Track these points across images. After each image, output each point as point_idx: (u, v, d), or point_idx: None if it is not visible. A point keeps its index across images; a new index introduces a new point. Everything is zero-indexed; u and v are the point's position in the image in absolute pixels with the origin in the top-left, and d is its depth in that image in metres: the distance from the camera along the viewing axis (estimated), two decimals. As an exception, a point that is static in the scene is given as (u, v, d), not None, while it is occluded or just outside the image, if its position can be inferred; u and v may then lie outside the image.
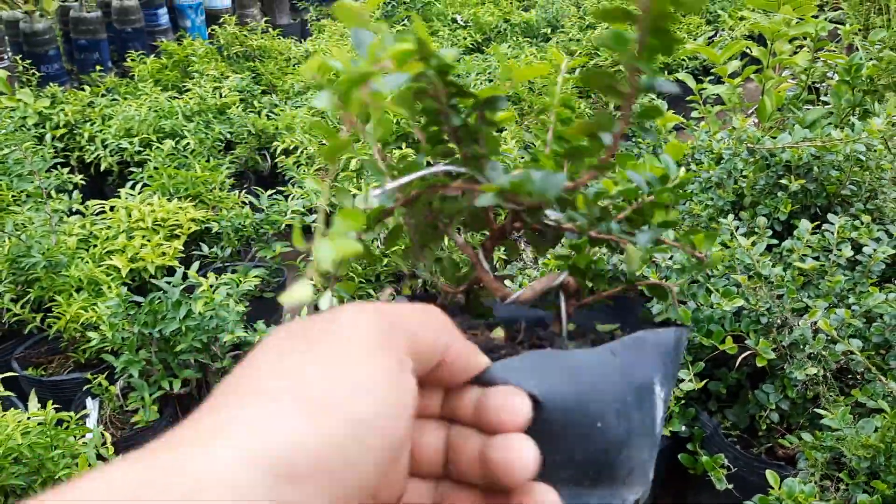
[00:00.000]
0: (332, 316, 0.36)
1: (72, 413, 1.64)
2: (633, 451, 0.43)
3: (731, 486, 1.48)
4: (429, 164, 0.50)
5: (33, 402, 1.72)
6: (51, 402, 1.63)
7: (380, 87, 0.37)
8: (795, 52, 2.62)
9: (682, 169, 0.54)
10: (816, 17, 2.51)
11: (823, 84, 3.03)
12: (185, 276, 1.85)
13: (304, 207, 2.32)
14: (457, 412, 0.41)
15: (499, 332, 0.49)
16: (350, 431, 0.31)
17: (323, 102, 0.38)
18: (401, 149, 2.25)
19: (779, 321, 1.53)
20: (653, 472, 0.46)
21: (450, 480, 0.41)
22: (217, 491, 0.27)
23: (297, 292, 0.35)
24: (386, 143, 0.52)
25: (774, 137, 1.94)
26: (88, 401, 1.92)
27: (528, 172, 0.44)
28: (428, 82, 0.45)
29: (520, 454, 0.37)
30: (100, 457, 1.54)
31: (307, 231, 2.43)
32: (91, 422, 1.86)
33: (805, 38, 2.59)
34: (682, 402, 1.58)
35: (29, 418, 1.59)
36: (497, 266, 2.02)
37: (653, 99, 2.68)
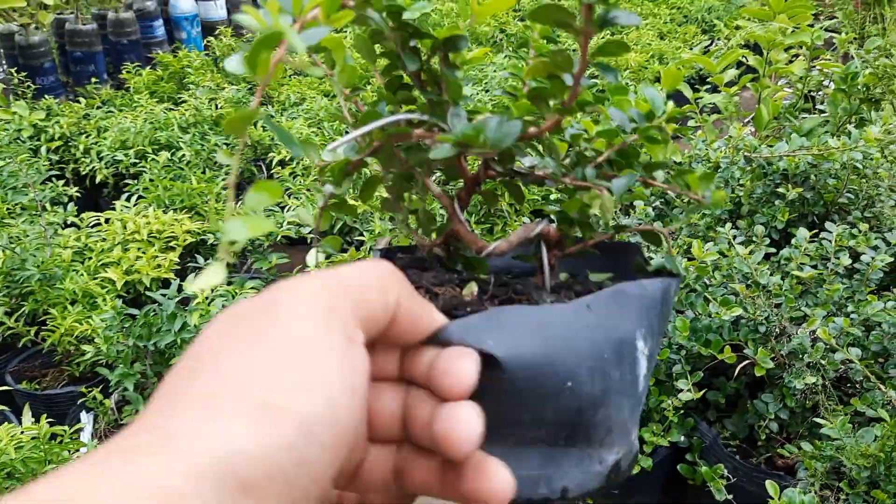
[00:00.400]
0: (272, 297, 0.34)
1: (66, 427, 1.63)
2: (612, 410, 0.41)
3: (730, 497, 1.46)
4: (392, 113, 0.47)
5: (27, 416, 1.71)
6: (45, 416, 1.62)
7: (295, 46, 0.34)
8: (791, 61, 2.63)
9: (671, 103, 0.50)
10: (812, 26, 2.52)
11: (819, 93, 3.04)
12: (180, 288, 1.84)
13: (298, 219, 2.31)
14: (413, 374, 0.39)
15: (471, 288, 0.46)
16: (301, 432, 0.29)
17: (233, 66, 0.35)
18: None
19: (777, 330, 1.52)
20: (636, 432, 0.44)
21: (410, 444, 0.39)
22: None
23: (207, 278, 0.33)
24: (355, 88, 0.49)
25: (771, 146, 1.94)
26: (83, 415, 1.90)
27: (483, 120, 0.41)
28: (377, 25, 0.43)
29: (460, 426, 0.35)
30: (94, 471, 1.52)
31: (301, 242, 2.42)
32: (85, 436, 1.84)
33: (801, 47, 2.59)
34: (681, 412, 1.57)
35: (23, 432, 1.58)
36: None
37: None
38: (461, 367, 0.36)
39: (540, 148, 0.49)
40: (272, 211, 2.38)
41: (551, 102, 0.45)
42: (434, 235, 0.53)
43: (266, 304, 0.33)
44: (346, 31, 3.63)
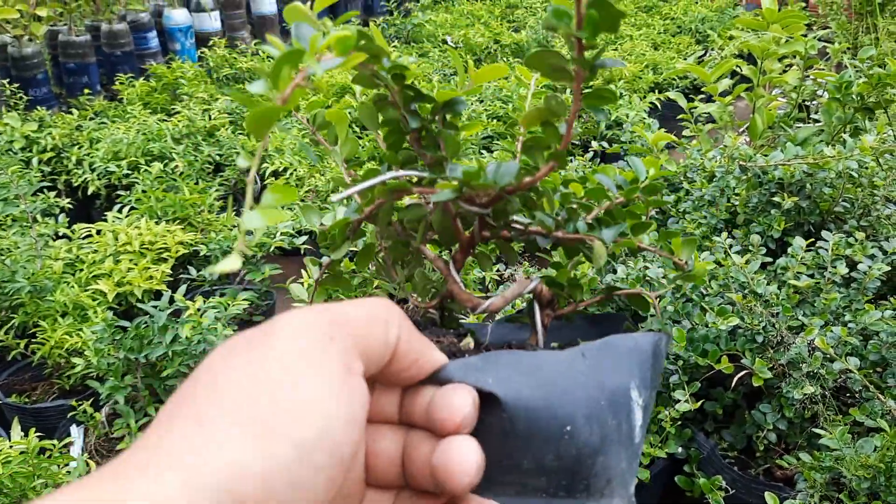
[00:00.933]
0: (273, 325, 0.34)
1: (55, 441, 1.60)
2: (610, 459, 0.41)
3: (729, 509, 1.45)
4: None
5: (16, 430, 1.68)
6: (34, 429, 1.59)
7: (315, 70, 0.36)
8: (785, 71, 2.63)
9: (652, 170, 0.53)
10: (805, 35, 2.52)
11: (814, 102, 3.04)
12: (171, 300, 1.82)
13: (293, 229, 2.29)
14: (412, 414, 0.38)
15: (468, 341, 0.47)
16: (296, 453, 0.29)
17: (257, 88, 0.36)
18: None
19: (775, 340, 1.51)
20: (634, 484, 0.44)
21: (409, 489, 0.39)
22: None
23: (226, 264, 0.34)
24: (354, 161, 0.51)
25: (766, 155, 1.93)
26: (73, 428, 1.88)
27: (481, 164, 0.43)
28: (383, 83, 0.45)
29: (459, 457, 0.34)
30: (84, 486, 1.49)
31: (295, 253, 2.40)
32: (76, 450, 1.82)
33: (794, 57, 2.59)
34: (679, 423, 1.55)
35: (11, 447, 1.55)
36: (489, 288, 1.99)
37: (660, 181, 2.67)
38: (457, 400, 0.36)
39: (533, 205, 0.50)
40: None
41: (545, 152, 0.47)
42: (430, 298, 0.54)
43: (265, 332, 0.33)
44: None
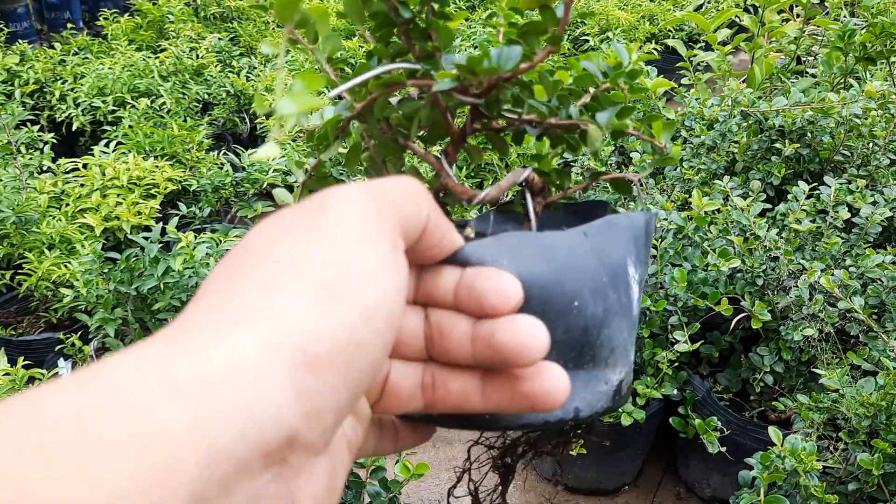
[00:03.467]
0: (321, 201, 0.34)
1: (44, 371, 1.58)
2: (613, 330, 0.43)
3: (723, 449, 1.46)
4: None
5: (2, 361, 1.65)
6: (22, 358, 1.57)
7: None
8: (785, 21, 2.60)
9: (636, 55, 0.54)
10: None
11: (810, 57, 3.01)
12: (163, 232, 1.79)
13: (286, 167, 2.25)
14: (433, 293, 0.39)
15: (469, 231, 0.48)
16: (361, 318, 0.31)
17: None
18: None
19: (774, 283, 1.51)
20: (633, 352, 0.46)
21: (435, 363, 0.40)
22: (239, 379, 0.26)
23: (265, 151, 0.35)
24: (337, 60, 0.51)
25: (768, 101, 1.91)
26: (61, 361, 1.85)
27: (484, 48, 0.44)
28: None
29: (533, 335, 0.36)
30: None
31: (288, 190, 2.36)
32: (64, 382, 1.79)
33: (794, 8, 2.56)
34: (675, 365, 1.55)
35: (-2, 376, 1.53)
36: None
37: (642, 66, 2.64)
38: (505, 285, 0.37)
39: (529, 93, 0.50)
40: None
41: (541, 37, 0.46)
42: None
43: (317, 205, 0.33)
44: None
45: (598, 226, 0.44)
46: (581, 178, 2.01)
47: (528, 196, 0.51)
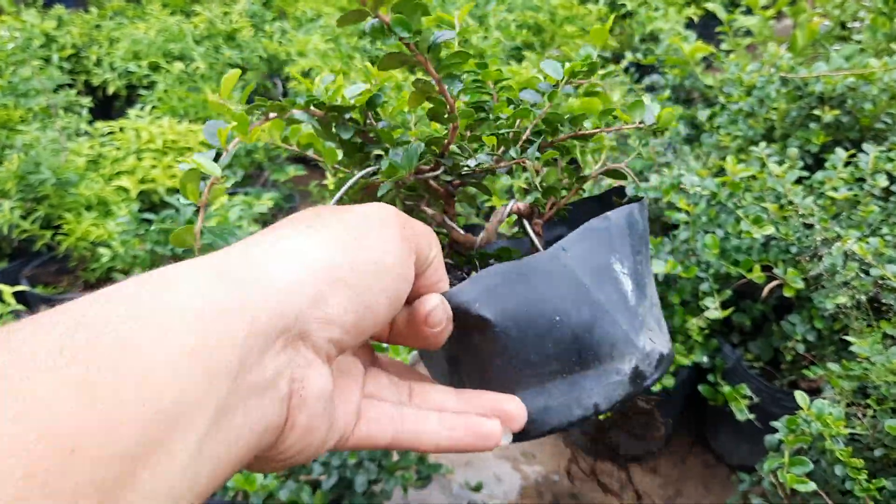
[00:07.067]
0: (357, 206, 0.42)
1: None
2: (607, 327, 0.46)
3: (752, 417, 1.45)
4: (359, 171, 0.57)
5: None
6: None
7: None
8: (829, -15, 2.53)
9: (569, 64, 0.57)
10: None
11: (856, 23, 2.93)
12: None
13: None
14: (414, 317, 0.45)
15: (472, 274, 0.53)
16: (373, 269, 0.38)
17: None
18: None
19: (809, 251, 1.49)
20: (646, 337, 0.49)
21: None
22: (276, 279, 0.34)
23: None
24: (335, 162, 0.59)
25: (808, 68, 1.86)
26: (98, 320, 1.89)
27: (393, 155, 0.52)
28: (307, 121, 0.53)
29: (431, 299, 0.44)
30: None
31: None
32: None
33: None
34: (706, 332, 1.55)
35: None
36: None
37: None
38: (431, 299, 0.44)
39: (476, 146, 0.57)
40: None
41: (444, 118, 0.53)
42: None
43: (347, 207, 0.42)
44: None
45: (575, 236, 0.47)
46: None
47: (526, 223, 0.56)
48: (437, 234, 0.59)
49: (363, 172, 0.54)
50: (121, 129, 2.34)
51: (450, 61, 0.48)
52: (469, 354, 0.47)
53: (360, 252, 0.38)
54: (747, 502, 1.43)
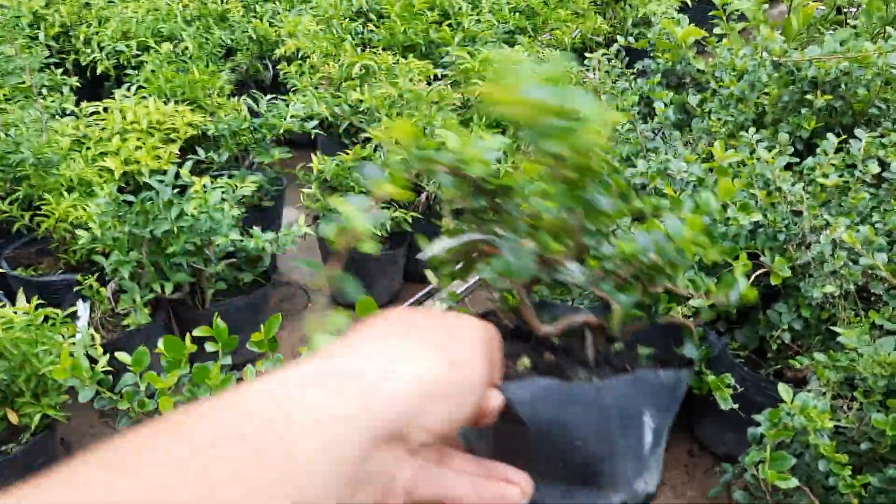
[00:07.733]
0: (452, 314, 0.50)
1: (59, 311, 1.59)
2: (616, 466, 0.52)
3: (736, 406, 1.43)
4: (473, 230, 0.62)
5: (21, 300, 1.67)
6: (37, 297, 1.58)
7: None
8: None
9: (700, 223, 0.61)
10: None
11: (851, 8, 2.89)
12: (177, 176, 1.78)
13: (304, 113, 2.22)
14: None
15: (524, 362, 0.57)
16: (467, 387, 0.45)
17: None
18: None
19: (797, 239, 1.46)
20: (642, 483, 0.54)
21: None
22: (389, 396, 0.40)
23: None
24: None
25: (801, 50, 1.83)
26: (79, 302, 1.87)
27: (506, 259, 0.56)
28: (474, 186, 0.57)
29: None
30: (89, 357, 1.48)
31: (305, 139, 2.33)
32: (81, 323, 1.81)
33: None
34: (691, 319, 1.52)
35: (15, 314, 1.54)
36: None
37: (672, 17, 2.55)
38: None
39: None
40: (274, 104, 2.29)
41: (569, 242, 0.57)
42: (510, 312, 0.66)
43: (454, 320, 0.49)
44: None
45: (623, 381, 0.53)
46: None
47: (588, 336, 0.60)
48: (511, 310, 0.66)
49: (474, 237, 0.59)
50: (105, 110, 2.31)
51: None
52: (492, 430, 0.52)
53: (457, 371, 0.44)
54: (729, 494, 1.41)
